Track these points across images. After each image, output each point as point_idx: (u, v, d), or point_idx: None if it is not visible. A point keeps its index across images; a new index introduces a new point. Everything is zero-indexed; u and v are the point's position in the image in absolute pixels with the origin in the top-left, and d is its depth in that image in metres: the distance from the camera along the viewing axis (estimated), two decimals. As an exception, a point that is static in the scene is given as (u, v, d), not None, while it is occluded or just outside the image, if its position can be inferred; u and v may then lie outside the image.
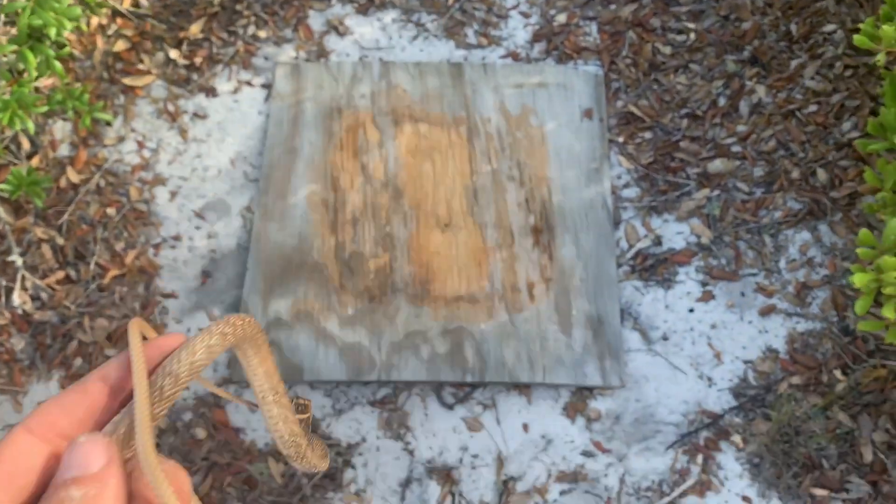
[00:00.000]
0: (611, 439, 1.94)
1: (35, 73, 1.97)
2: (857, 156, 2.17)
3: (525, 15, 2.51)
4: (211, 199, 2.26)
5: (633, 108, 2.33)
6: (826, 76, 2.30)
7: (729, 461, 1.88)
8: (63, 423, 0.40)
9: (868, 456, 1.83)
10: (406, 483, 1.91)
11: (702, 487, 1.86)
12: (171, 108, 2.39)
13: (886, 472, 1.81)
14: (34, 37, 1.99)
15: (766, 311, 2.04)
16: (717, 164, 2.23)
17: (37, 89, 2.29)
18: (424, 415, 1.98)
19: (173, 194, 2.27)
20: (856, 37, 1.57)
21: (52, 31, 1.85)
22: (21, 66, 2.17)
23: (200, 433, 1.95)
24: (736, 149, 2.25)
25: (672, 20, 2.46)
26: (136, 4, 2.52)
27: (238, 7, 2.53)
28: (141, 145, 2.34)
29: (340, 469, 1.92)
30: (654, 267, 2.13)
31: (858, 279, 1.45)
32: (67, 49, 2.06)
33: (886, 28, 1.49)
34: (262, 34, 2.50)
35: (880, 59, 1.56)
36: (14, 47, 1.92)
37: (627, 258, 2.14)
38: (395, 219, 2.20)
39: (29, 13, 1.64)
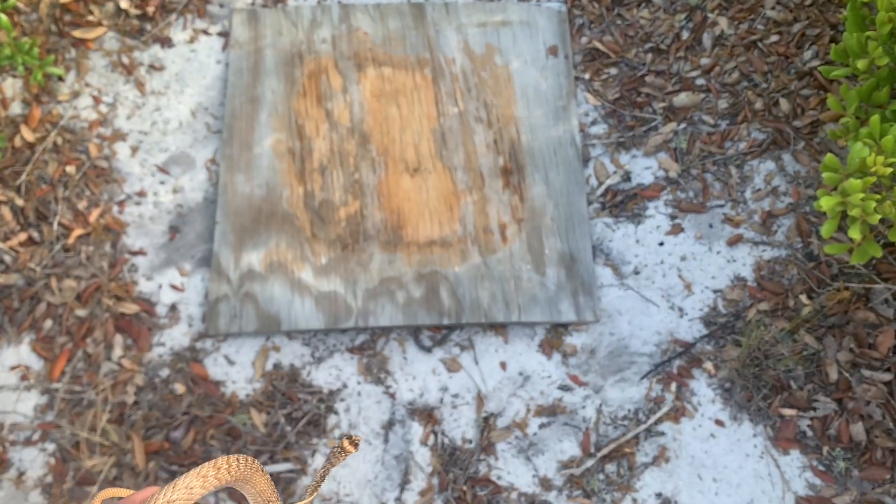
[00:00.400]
0: (587, 372, 1.98)
1: (-20, 27, 1.89)
2: (819, 84, 2.20)
3: (485, -48, 2.46)
4: (174, 152, 2.22)
5: (597, 44, 2.32)
6: (787, 6, 2.31)
7: (701, 387, 1.94)
8: None
9: (833, 375, 1.89)
10: (389, 425, 1.94)
11: (676, 414, 1.91)
12: (125, 60, 2.32)
13: (851, 390, 1.88)
14: (-24, -12, 1.91)
15: (734, 241, 2.08)
16: (682, 98, 2.24)
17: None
18: (403, 359, 2.00)
19: (134, 149, 2.21)
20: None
21: (-4, -18, 1.77)
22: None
23: (179, 388, 1.95)
24: (700, 82, 2.26)
25: (633, -47, 2.43)
26: (80, -48, 2.42)
27: (188, -48, 2.44)
28: (97, 100, 2.26)
29: (323, 415, 1.93)
30: (624, 203, 2.15)
31: (825, 202, 1.48)
32: (12, 2, 1.98)
33: (849, -49, 1.49)
34: (216, -20, 2.42)
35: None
36: (-45, 0, 1.83)
37: (597, 195, 2.16)
38: (364, 165, 2.18)
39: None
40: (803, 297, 1.97)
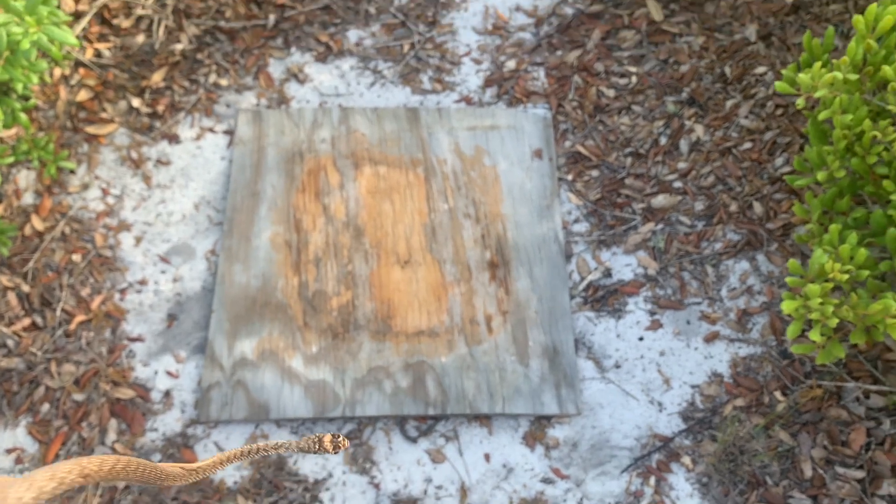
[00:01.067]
0: (569, 465, 2.02)
1: (1, 125, 2.02)
2: (790, 189, 2.32)
3: (476, 62, 2.63)
4: (176, 243, 2.32)
5: (580, 148, 2.46)
6: (759, 115, 2.46)
7: (680, 482, 1.98)
8: None
9: (808, 472, 1.94)
10: (372, 515, 1.97)
11: (655, 508, 1.95)
12: (134, 155, 2.45)
13: (825, 486, 1.92)
14: (1, 90, 2.05)
15: (711, 338, 2.15)
16: (660, 200, 2.37)
17: (0, 139, 2.34)
18: (389, 448, 2.05)
19: (138, 239, 2.32)
20: (777, 83, 1.72)
21: (20, 86, 1.91)
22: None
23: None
24: (678, 185, 2.39)
25: (615, 64, 2.60)
26: (97, 55, 2.59)
27: (199, 56, 2.62)
28: (105, 192, 2.39)
29: (308, 504, 1.97)
30: (605, 298, 2.24)
31: (787, 306, 1.57)
32: (33, 101, 2.13)
33: (803, 76, 1.63)
34: (224, 82, 2.58)
35: (800, 102, 1.70)
36: (-20, 101, 1.97)
37: (580, 290, 2.25)
38: (357, 257, 2.29)
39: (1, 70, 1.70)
40: (778, 394, 2.04)
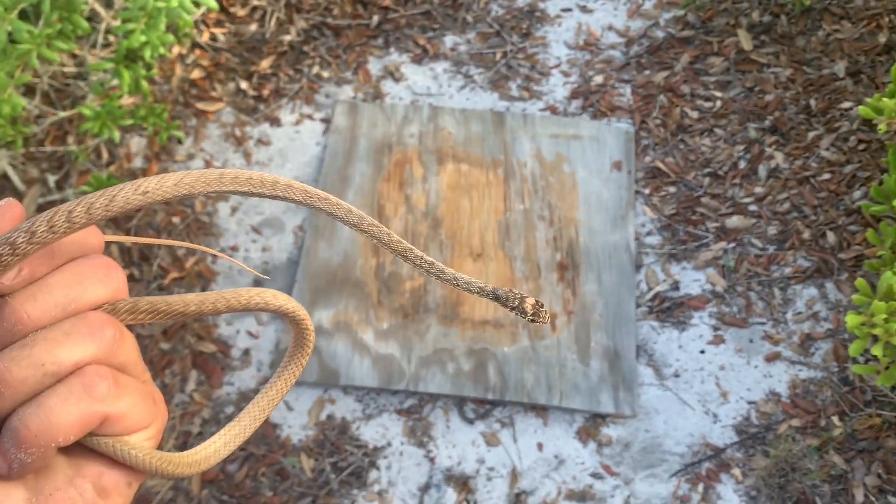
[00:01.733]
0: (619, 464, 2.08)
1: (126, 90, 2.22)
2: (865, 222, 2.34)
3: (565, 74, 2.74)
4: (268, 216, 2.48)
5: (659, 164, 2.53)
6: (840, 148, 2.49)
7: (728, 492, 2.01)
8: None
9: (860, 497, 1.94)
10: (425, 488, 2.06)
11: (701, 514, 1.98)
12: (237, 133, 2.64)
13: (877, 514, 1.92)
14: (129, 58, 2.25)
15: (772, 358, 2.18)
16: (734, 221, 2.41)
17: (120, 105, 2.55)
18: (446, 426, 2.14)
19: (234, 210, 2.49)
20: (861, 108, 1.76)
21: (147, 54, 2.11)
22: (112, 82, 2.43)
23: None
24: (753, 208, 2.43)
25: (701, 88, 2.67)
26: (213, 38, 2.80)
27: (306, 48, 2.80)
28: (208, 164, 2.57)
29: (366, 469, 2.07)
30: (671, 309, 2.29)
31: (851, 319, 1.61)
32: (154, 71, 2.32)
33: (887, 101, 1.68)
34: (326, 74, 2.75)
35: (882, 128, 1.75)
36: (110, 65, 2.17)
37: (646, 299, 2.31)
38: (432, 246, 2.40)
39: (139, 33, 1.88)
40: (835, 419, 2.05)
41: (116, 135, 2.24)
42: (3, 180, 2.51)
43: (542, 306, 0.56)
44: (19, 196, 2.48)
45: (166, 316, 0.52)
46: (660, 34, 2.80)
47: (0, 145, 2.40)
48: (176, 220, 2.46)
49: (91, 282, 0.47)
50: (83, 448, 0.47)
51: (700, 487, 2.02)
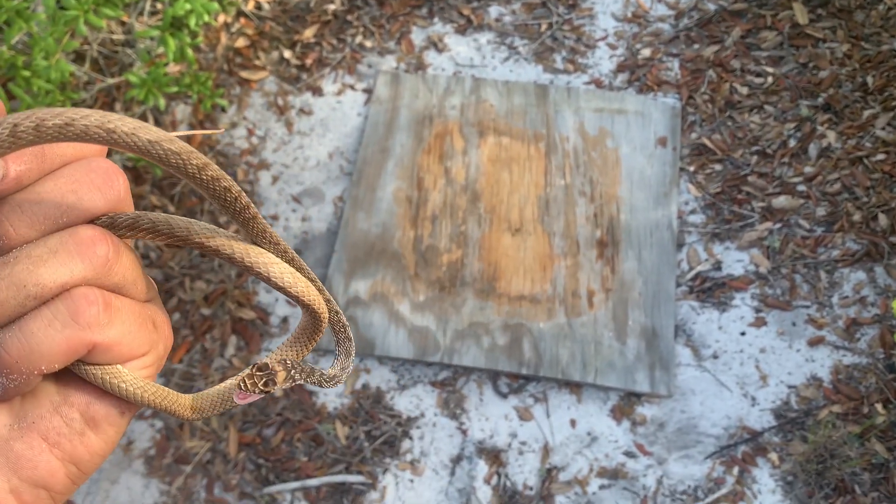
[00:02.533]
0: (653, 443, 2.06)
1: (171, 58, 2.24)
2: (921, 205, 2.26)
3: (612, 47, 2.68)
4: (308, 186, 2.50)
5: (706, 141, 2.47)
6: (897, 128, 2.40)
7: (763, 476, 1.98)
8: None
9: (901, 487, 1.90)
10: (457, 459, 2.07)
11: (735, 497, 1.96)
12: (280, 102, 2.65)
13: (918, 505, 1.88)
14: (175, 25, 2.27)
15: (815, 342, 2.13)
16: (781, 201, 2.35)
17: (166, 72, 2.58)
18: (480, 399, 2.14)
19: (275, 179, 2.51)
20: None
21: (192, 21, 2.12)
22: (158, 50, 2.46)
23: (278, 391, 2.16)
24: (801, 188, 2.36)
25: (752, 63, 2.59)
26: (258, 7, 2.81)
27: (349, 18, 2.79)
28: (251, 132, 2.59)
29: (399, 438, 2.09)
30: (712, 290, 2.25)
31: (899, 306, 1.56)
32: (200, 39, 2.34)
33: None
34: (369, 44, 2.74)
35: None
36: (156, 33, 2.19)
37: (687, 279, 2.27)
38: (471, 219, 2.39)
39: (183, 1, 1.89)
40: (879, 407, 2.00)
41: (162, 102, 2.27)
42: (53, 145, 2.56)
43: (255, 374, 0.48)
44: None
45: (168, 238, 0.47)
46: (711, 7, 2.72)
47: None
48: (218, 187, 2.48)
49: (87, 190, 0.42)
50: (73, 376, 0.44)
51: (735, 470, 2.00)
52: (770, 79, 2.55)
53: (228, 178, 0.44)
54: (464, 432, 2.10)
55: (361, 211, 2.42)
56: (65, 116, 0.40)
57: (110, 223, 0.45)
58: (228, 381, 0.52)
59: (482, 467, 2.05)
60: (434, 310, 2.24)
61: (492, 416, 2.12)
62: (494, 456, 2.07)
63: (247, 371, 0.48)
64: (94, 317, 0.41)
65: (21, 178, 0.40)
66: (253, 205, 0.45)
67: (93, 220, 0.43)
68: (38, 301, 0.40)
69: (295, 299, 0.51)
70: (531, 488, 2.02)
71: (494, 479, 2.04)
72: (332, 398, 2.16)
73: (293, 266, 0.50)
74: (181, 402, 0.50)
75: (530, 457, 2.06)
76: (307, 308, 0.52)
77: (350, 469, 2.06)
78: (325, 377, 0.54)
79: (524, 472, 2.05)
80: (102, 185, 0.43)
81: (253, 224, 0.47)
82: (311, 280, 0.52)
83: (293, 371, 0.50)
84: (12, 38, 2.06)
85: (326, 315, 0.53)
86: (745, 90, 2.55)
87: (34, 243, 0.41)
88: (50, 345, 0.40)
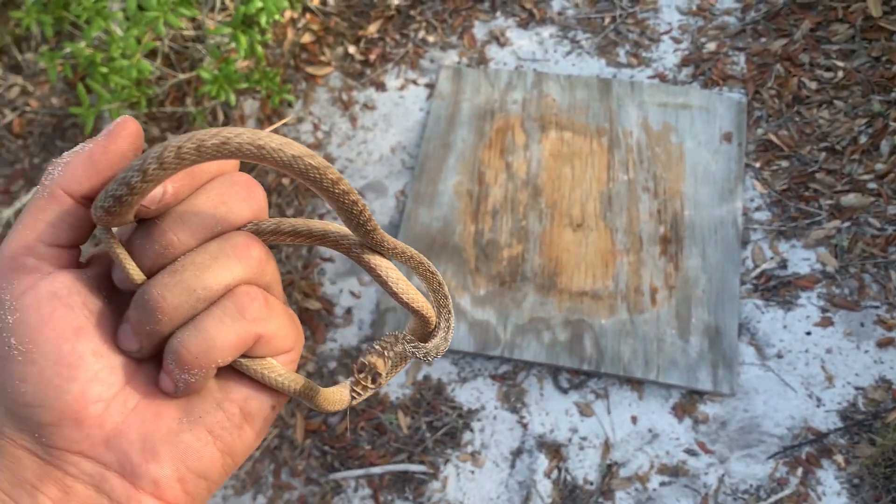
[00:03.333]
0: (715, 442, 2.05)
1: (242, 54, 2.30)
2: None
3: (676, 40, 2.65)
4: (371, 180, 2.54)
5: (772, 137, 2.43)
6: (976, 124, 2.32)
7: (828, 478, 1.96)
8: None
9: (974, 494, 1.86)
10: (517, 452, 2.10)
11: (798, 498, 1.94)
12: (344, 97, 2.70)
13: None
14: (246, 23, 2.33)
15: (885, 343, 2.09)
16: (850, 199, 2.30)
17: (236, 69, 2.65)
18: (540, 394, 2.16)
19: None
20: None
21: (263, 19, 2.17)
22: (228, 46, 2.52)
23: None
24: (872, 185, 2.31)
25: (821, 57, 2.54)
26: (323, 2, 2.86)
27: (412, 12, 2.82)
28: (316, 127, 2.65)
29: (460, 430, 2.13)
30: (777, 288, 2.22)
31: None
32: (269, 36, 2.39)
33: None
34: (431, 39, 2.77)
35: None
36: (228, 30, 2.25)
37: (751, 277, 2.25)
38: (532, 214, 2.40)
39: (258, 1, 1.94)
40: (951, 411, 1.95)
41: (233, 98, 2.33)
42: (128, 138, 2.65)
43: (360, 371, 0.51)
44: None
45: (308, 239, 0.52)
46: (780, -1, 2.67)
47: (125, 106, 2.54)
48: (286, 181, 2.55)
49: (235, 201, 0.47)
50: (232, 375, 0.48)
51: (799, 471, 1.98)
52: (840, 73, 2.50)
53: (355, 192, 0.48)
54: (524, 426, 2.13)
55: (423, 205, 2.45)
56: (221, 136, 0.44)
57: (256, 229, 0.49)
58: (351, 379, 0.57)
59: (542, 461, 2.08)
60: (495, 304, 2.27)
61: (552, 411, 2.14)
62: (555, 450, 2.09)
63: (351, 378, 0.51)
64: (258, 311, 0.45)
65: (178, 193, 0.46)
66: (374, 218, 0.49)
67: (241, 227, 0.48)
68: (207, 302, 0.45)
69: (405, 305, 0.54)
70: (591, 483, 2.04)
71: (555, 474, 2.06)
72: (394, 388, 2.20)
73: (412, 264, 0.55)
74: (324, 396, 0.55)
75: (591, 452, 2.08)
76: (416, 313, 0.55)
77: (412, 458, 2.10)
78: (424, 349, 0.56)
79: (584, 468, 2.06)
80: (246, 195, 0.48)
81: (373, 235, 0.51)
82: (432, 273, 0.56)
83: (388, 354, 0.53)
84: (91, 36, 2.14)
85: (434, 321, 0.57)
86: (814, 85, 2.50)
87: (196, 251, 0.46)
88: (223, 339, 0.45)
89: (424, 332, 0.57)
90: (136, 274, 0.47)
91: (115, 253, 0.47)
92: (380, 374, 0.52)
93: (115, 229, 0.48)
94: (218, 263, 0.45)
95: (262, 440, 0.50)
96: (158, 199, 0.45)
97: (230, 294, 0.46)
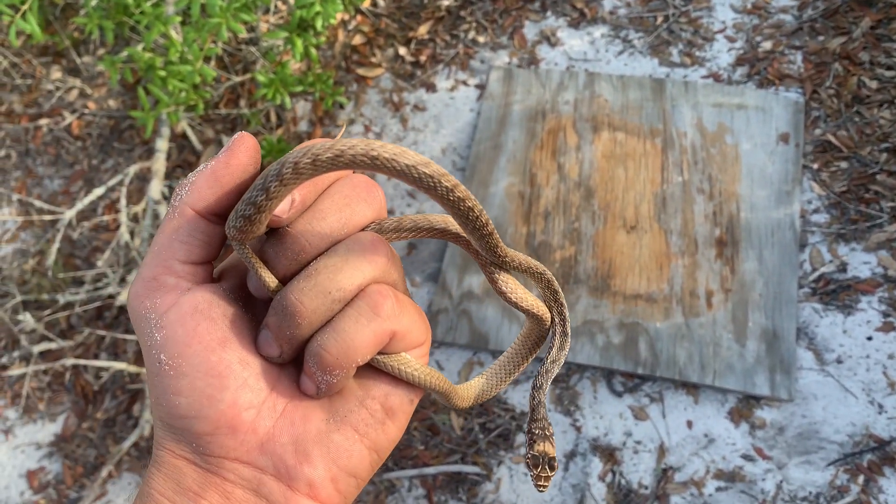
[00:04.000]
0: (772, 448, 2.03)
1: (298, 58, 2.32)
2: None
3: (730, 39, 2.62)
4: (422, 180, 2.55)
5: (831, 137, 2.39)
6: None
7: (891, 486, 1.92)
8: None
9: None
10: (571, 455, 2.09)
11: (861, 507, 1.91)
12: (395, 98, 2.71)
13: None
14: (301, 26, 2.35)
15: (950, 350, 2.04)
16: (913, 200, 2.25)
17: (289, 74, 2.68)
18: (594, 397, 2.16)
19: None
20: None
21: (319, 23, 2.19)
22: (282, 49, 2.55)
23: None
24: (936, 187, 2.26)
25: (882, 55, 2.48)
26: (374, 4, 2.87)
27: (462, 13, 2.82)
28: (367, 129, 2.67)
29: (513, 432, 2.13)
30: (836, 292, 2.18)
31: None
32: (323, 39, 2.42)
33: None
34: (481, 39, 2.77)
35: None
36: (284, 34, 2.28)
37: (809, 280, 2.21)
38: (584, 216, 2.39)
39: (317, 4, 1.96)
40: None
41: (288, 101, 2.36)
42: (183, 140, 2.71)
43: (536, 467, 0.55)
44: (197, 155, 2.67)
45: (429, 233, 0.55)
46: (838, -4, 2.61)
47: (183, 109, 2.59)
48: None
49: (357, 203, 0.50)
50: (370, 372, 0.51)
51: (860, 479, 1.94)
52: (902, 71, 2.44)
53: (472, 197, 0.50)
54: (578, 429, 2.12)
55: (475, 206, 2.45)
56: (335, 150, 0.46)
57: (378, 228, 0.52)
58: (486, 374, 0.59)
59: (596, 464, 2.07)
60: (548, 306, 2.26)
61: (606, 415, 2.13)
62: (609, 454, 2.08)
63: (531, 473, 0.55)
64: (391, 308, 0.47)
65: (304, 201, 0.48)
66: (491, 222, 0.51)
67: (365, 228, 0.50)
68: (342, 303, 0.47)
69: (514, 305, 0.57)
70: (646, 487, 2.03)
71: (609, 477, 2.05)
72: (447, 390, 2.21)
73: (531, 273, 0.57)
74: (457, 392, 0.57)
75: (645, 456, 2.06)
76: (528, 313, 0.58)
77: (465, 459, 2.11)
78: (555, 363, 0.60)
79: (639, 471, 2.05)
80: (367, 196, 0.50)
81: (489, 240, 0.52)
82: (549, 281, 0.58)
83: (549, 434, 0.57)
84: (151, 41, 2.19)
85: (549, 320, 0.58)
86: (874, 84, 2.45)
87: (327, 254, 0.48)
88: (361, 338, 0.47)
89: (541, 331, 0.59)
90: (272, 281, 0.49)
91: (250, 263, 0.49)
92: (553, 458, 0.56)
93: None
94: (349, 265, 0.47)
95: (402, 433, 0.52)
96: (288, 210, 0.47)
97: (362, 294, 0.47)
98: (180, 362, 0.46)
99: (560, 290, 0.61)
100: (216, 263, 0.53)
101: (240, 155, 0.48)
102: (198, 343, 0.46)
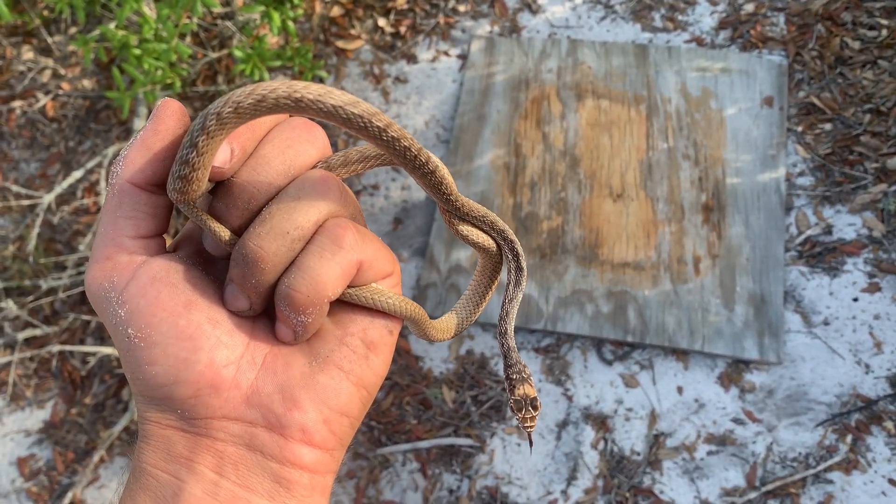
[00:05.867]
0: (762, 410, 2.05)
1: (275, 32, 2.28)
2: None
3: (713, 3, 2.59)
4: (406, 154, 2.52)
5: (814, 100, 2.38)
6: None
7: (878, 444, 1.95)
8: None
9: None
10: (563, 424, 2.11)
11: (848, 465, 1.94)
12: (376, 71, 2.67)
13: None
14: (277, 0, 2.30)
15: (935, 308, 2.06)
16: (897, 161, 2.26)
17: (267, 48, 2.62)
18: (584, 366, 2.17)
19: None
20: None
21: (297, -4, 2.14)
22: (259, 23, 2.50)
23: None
24: (919, 147, 2.26)
25: (864, 15, 2.47)
26: (351, -24, 2.81)
27: (441, -18, 2.77)
28: (349, 102, 2.63)
29: (505, 403, 2.14)
30: (822, 254, 2.19)
31: None
32: (300, 12, 2.37)
33: None
34: (462, 8, 2.73)
35: None
36: (260, 8, 2.23)
37: (796, 243, 2.22)
38: (570, 186, 2.38)
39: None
40: None
41: (266, 76, 2.32)
42: (161, 119, 2.65)
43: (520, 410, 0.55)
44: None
45: (378, 161, 0.54)
46: (820, -44, 2.59)
47: (159, 88, 2.54)
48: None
49: (299, 143, 0.49)
50: (344, 309, 0.50)
51: (848, 439, 1.97)
52: (885, 32, 2.43)
53: (409, 136, 0.49)
54: (569, 398, 2.13)
55: (459, 179, 2.43)
56: (256, 94, 0.45)
57: (326, 166, 0.51)
58: (456, 309, 0.60)
59: (588, 433, 2.09)
60: (536, 277, 2.26)
61: (597, 383, 2.14)
62: (601, 422, 2.09)
63: (517, 417, 0.55)
64: (353, 239, 0.47)
65: (244, 149, 0.47)
66: (433, 157, 0.50)
67: (312, 167, 0.50)
68: (303, 242, 0.47)
69: (470, 243, 0.58)
70: (638, 454, 2.05)
71: (601, 445, 2.07)
72: (437, 363, 2.21)
73: (474, 216, 0.57)
74: (433, 324, 0.57)
75: (637, 423, 2.08)
76: (476, 246, 0.58)
77: (458, 432, 2.12)
78: (518, 288, 0.61)
79: (631, 438, 2.07)
80: (308, 136, 0.50)
81: (432, 178, 0.52)
82: (493, 221, 0.59)
83: (527, 375, 0.57)
84: (124, 18, 2.13)
85: (494, 248, 0.60)
86: (856, 45, 2.44)
87: (278, 197, 0.47)
88: (328, 272, 0.46)
89: (493, 262, 0.59)
90: (225, 233, 0.48)
91: (201, 220, 0.48)
92: (535, 398, 0.56)
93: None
94: (303, 203, 0.47)
95: (387, 367, 0.52)
96: (229, 160, 0.47)
97: (321, 230, 0.47)
98: (149, 332, 0.46)
99: (507, 227, 0.61)
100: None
101: (166, 120, 0.48)
102: (163, 310, 0.46)
